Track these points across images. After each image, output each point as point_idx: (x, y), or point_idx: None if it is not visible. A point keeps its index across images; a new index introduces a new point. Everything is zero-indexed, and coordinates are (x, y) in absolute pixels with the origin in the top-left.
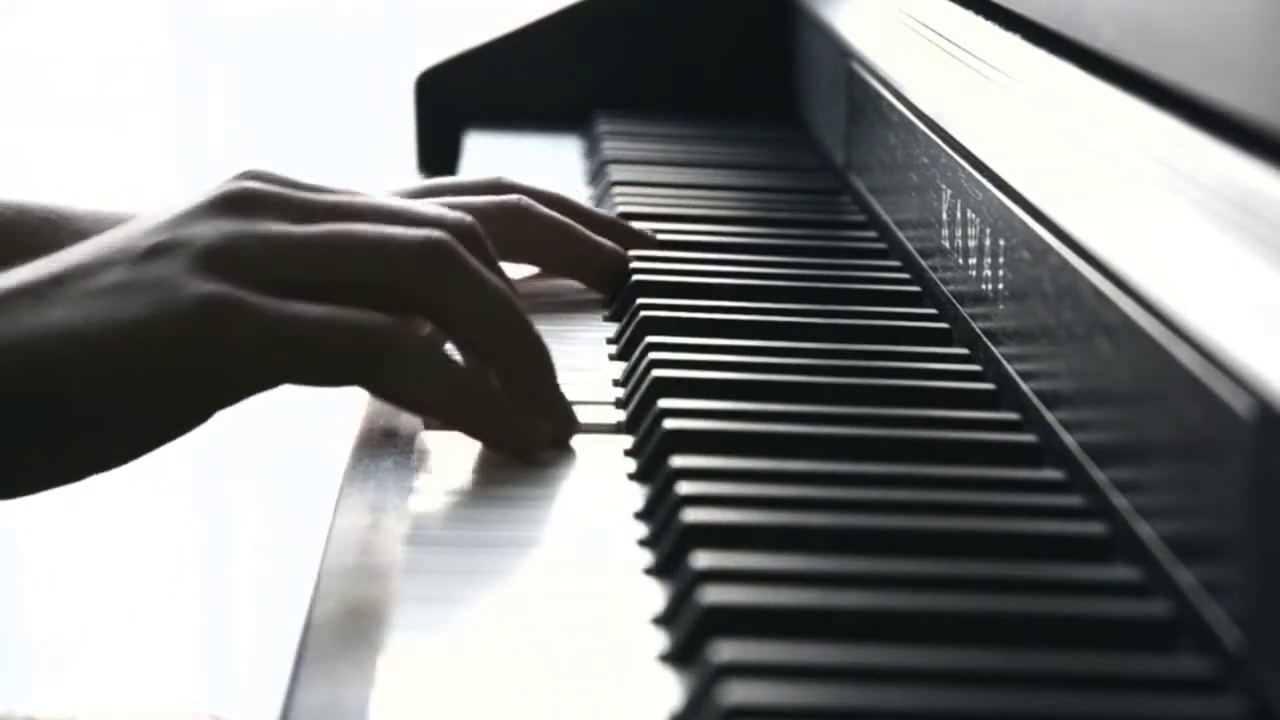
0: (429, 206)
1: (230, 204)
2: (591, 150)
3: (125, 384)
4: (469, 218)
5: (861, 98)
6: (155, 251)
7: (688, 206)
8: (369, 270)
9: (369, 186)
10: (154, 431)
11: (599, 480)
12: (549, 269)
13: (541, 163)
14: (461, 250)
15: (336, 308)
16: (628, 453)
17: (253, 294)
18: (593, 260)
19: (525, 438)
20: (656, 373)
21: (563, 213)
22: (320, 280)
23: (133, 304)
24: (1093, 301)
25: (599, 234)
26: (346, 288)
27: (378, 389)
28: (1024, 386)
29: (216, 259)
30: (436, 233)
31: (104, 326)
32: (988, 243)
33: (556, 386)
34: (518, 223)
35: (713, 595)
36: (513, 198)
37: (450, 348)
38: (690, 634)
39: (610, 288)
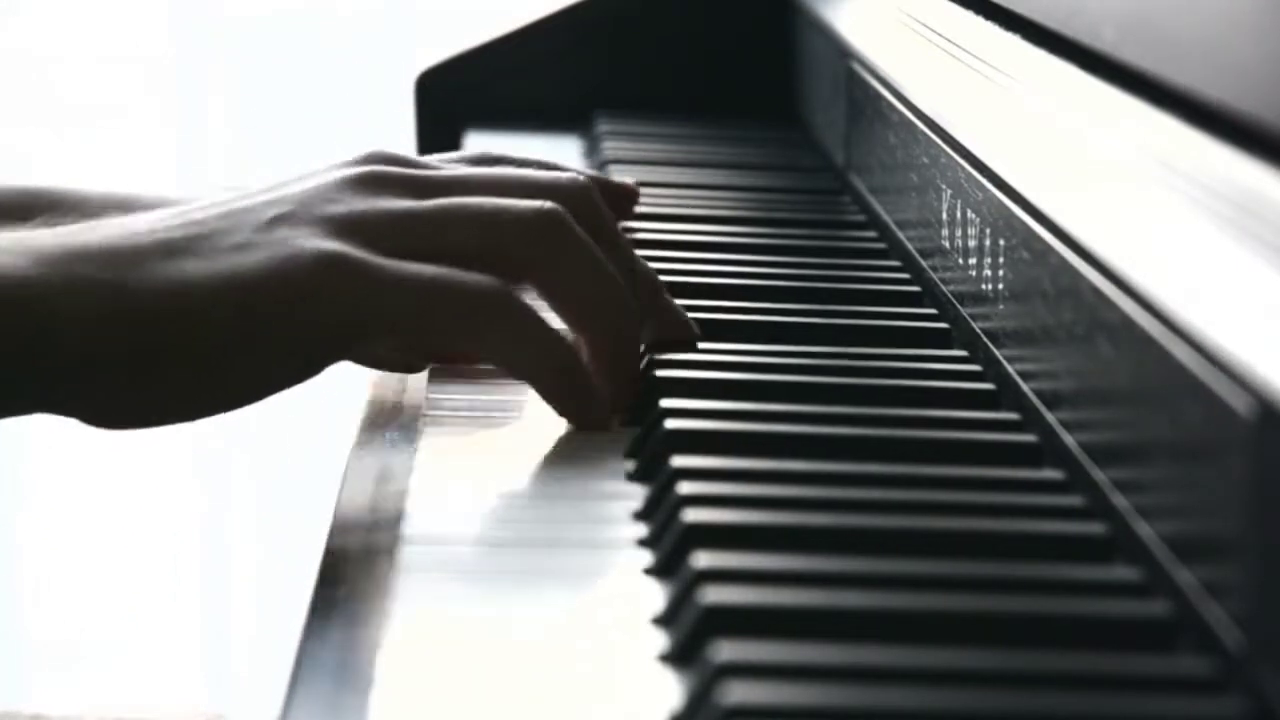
0: (545, 174)
1: (356, 184)
2: (591, 150)
3: (250, 331)
4: (584, 179)
5: (861, 98)
6: (283, 219)
7: (688, 206)
8: (482, 239)
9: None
10: (270, 378)
11: (599, 480)
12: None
13: None
14: (571, 222)
15: (450, 269)
16: (628, 453)
17: (373, 255)
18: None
19: (594, 421)
20: (656, 373)
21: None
22: (436, 249)
23: (261, 257)
24: (1093, 301)
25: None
26: (461, 257)
27: (483, 349)
28: (1024, 387)
29: (340, 225)
30: (548, 204)
31: (230, 277)
32: (988, 243)
33: (637, 366)
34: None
35: (713, 595)
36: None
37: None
38: (690, 634)
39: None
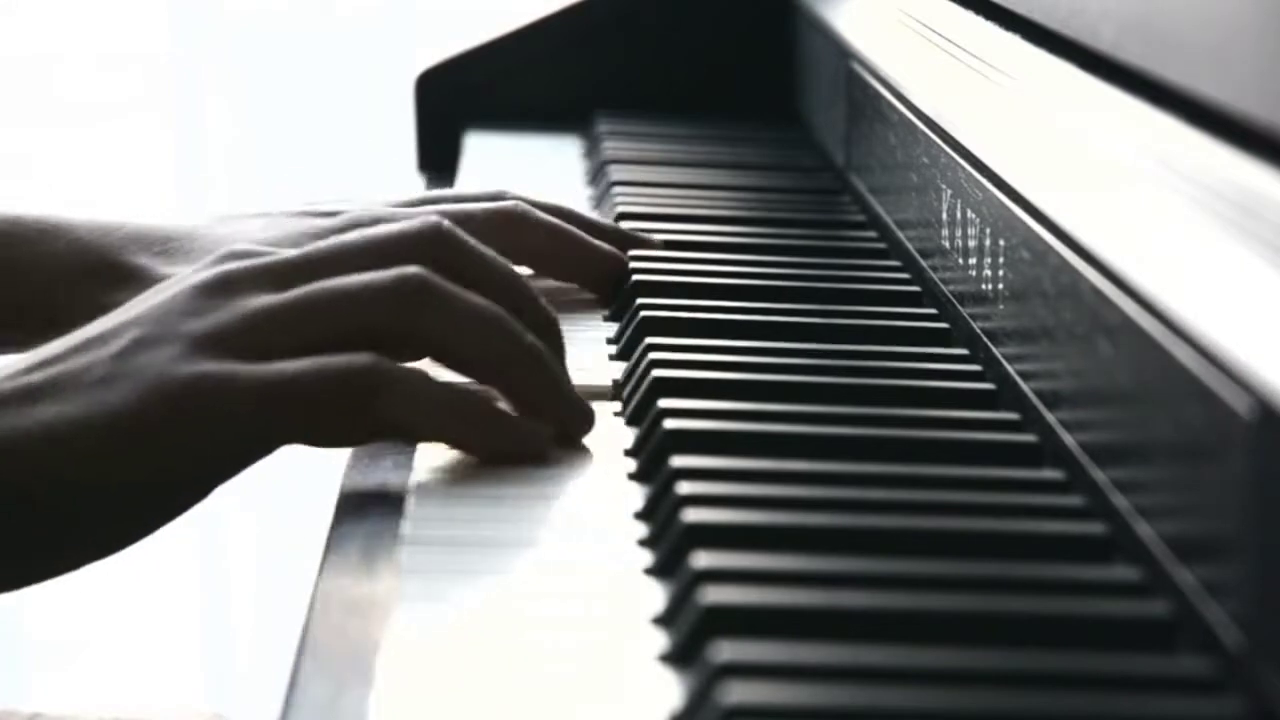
0: (394, 228)
1: (210, 290)
2: (591, 150)
3: (127, 469)
4: (435, 219)
5: (861, 98)
6: (141, 344)
7: (688, 206)
8: (351, 321)
9: (366, 200)
10: (159, 512)
11: (599, 480)
12: (547, 273)
13: (541, 163)
14: (432, 281)
15: (320, 357)
16: (628, 453)
17: (238, 364)
18: (590, 264)
19: (526, 446)
20: (656, 373)
21: (562, 220)
22: (307, 341)
23: (125, 390)
24: (1093, 301)
25: (599, 239)
26: (334, 342)
27: (375, 426)
28: (1024, 386)
29: (202, 343)
30: (407, 270)
31: (97, 416)
32: (988, 243)
33: (560, 386)
34: (514, 227)
35: (713, 595)
36: (509, 203)
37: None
38: (690, 634)
39: (609, 291)
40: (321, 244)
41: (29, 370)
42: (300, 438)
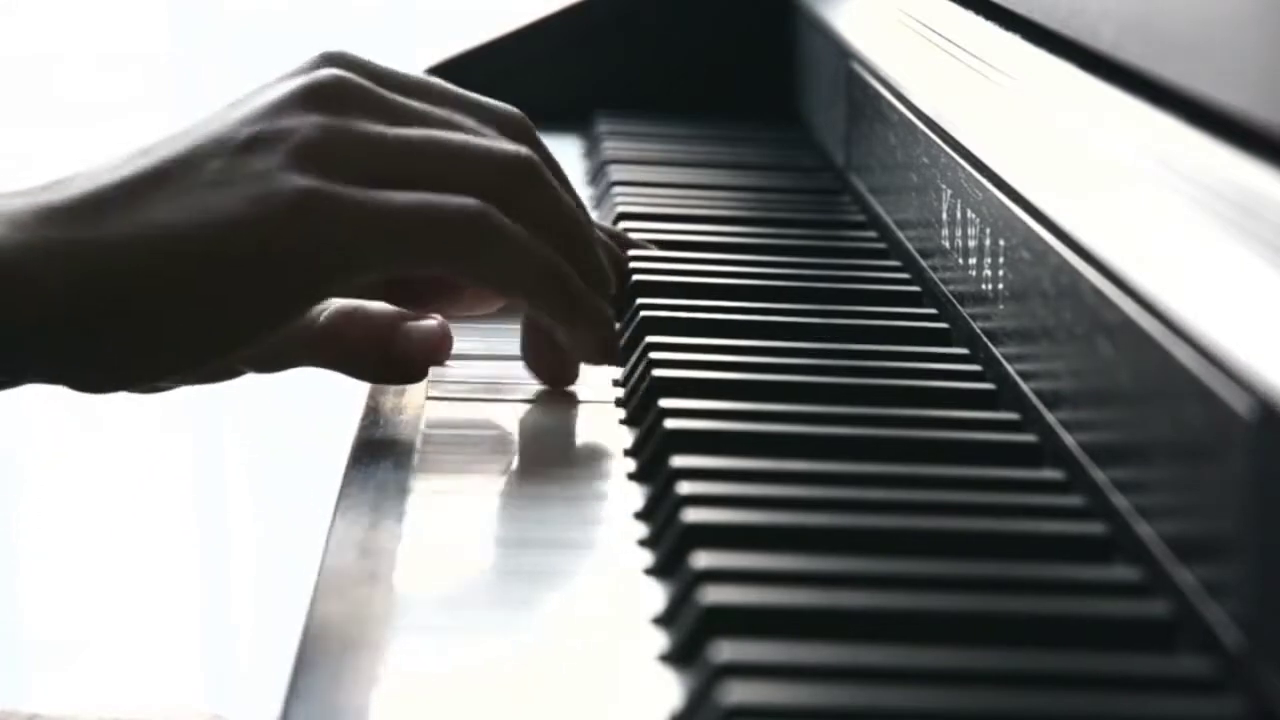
0: (507, 143)
1: (322, 96)
2: (591, 150)
3: (230, 279)
4: (536, 158)
5: (861, 98)
6: (252, 144)
7: (688, 206)
8: (461, 174)
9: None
10: (256, 323)
11: (599, 480)
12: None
13: None
14: (546, 171)
15: (430, 194)
16: (628, 453)
17: (349, 188)
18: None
19: (603, 331)
20: (656, 373)
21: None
22: (407, 178)
23: (232, 199)
24: (1093, 301)
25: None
26: (437, 190)
27: (473, 272)
28: (1024, 386)
29: (313, 154)
30: (525, 150)
31: (205, 224)
32: (988, 243)
33: (608, 312)
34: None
35: (713, 595)
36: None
37: None
38: (690, 634)
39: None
40: (435, 109)
41: (136, 168)
42: (397, 268)
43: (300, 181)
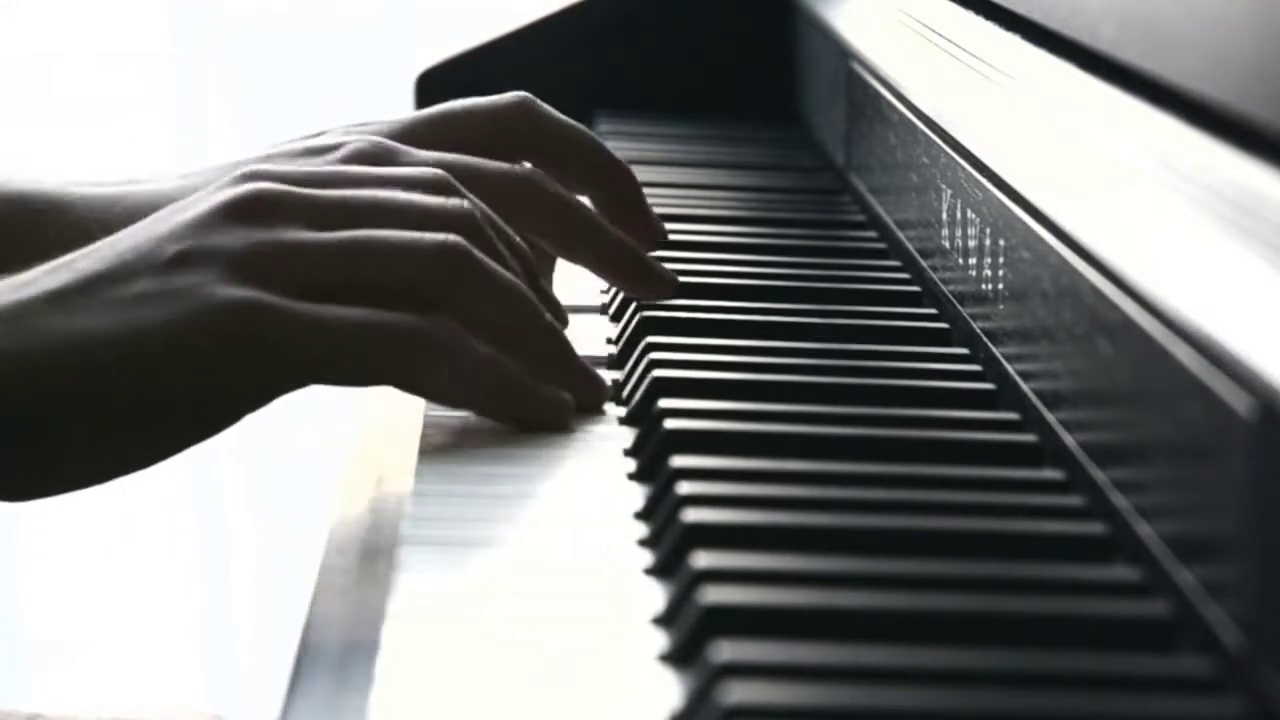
0: (434, 201)
1: (247, 210)
2: None
3: (160, 388)
4: (468, 207)
5: (861, 98)
6: (181, 260)
7: (688, 206)
8: (390, 275)
9: (376, 119)
10: (186, 433)
11: (599, 480)
12: (552, 243)
13: None
14: (475, 253)
15: (367, 309)
16: (627, 453)
17: (282, 299)
18: (595, 246)
19: (555, 415)
20: (656, 373)
21: (603, 180)
22: (344, 284)
23: (165, 311)
24: (1093, 301)
25: (619, 213)
26: (368, 291)
27: (411, 386)
28: (1024, 386)
29: (245, 268)
30: (451, 236)
31: (138, 331)
32: (988, 243)
33: (576, 360)
34: (524, 196)
35: (713, 595)
36: (523, 170)
37: None
38: (690, 634)
39: (615, 278)
40: (360, 192)
41: (63, 279)
42: (331, 381)
43: (236, 293)
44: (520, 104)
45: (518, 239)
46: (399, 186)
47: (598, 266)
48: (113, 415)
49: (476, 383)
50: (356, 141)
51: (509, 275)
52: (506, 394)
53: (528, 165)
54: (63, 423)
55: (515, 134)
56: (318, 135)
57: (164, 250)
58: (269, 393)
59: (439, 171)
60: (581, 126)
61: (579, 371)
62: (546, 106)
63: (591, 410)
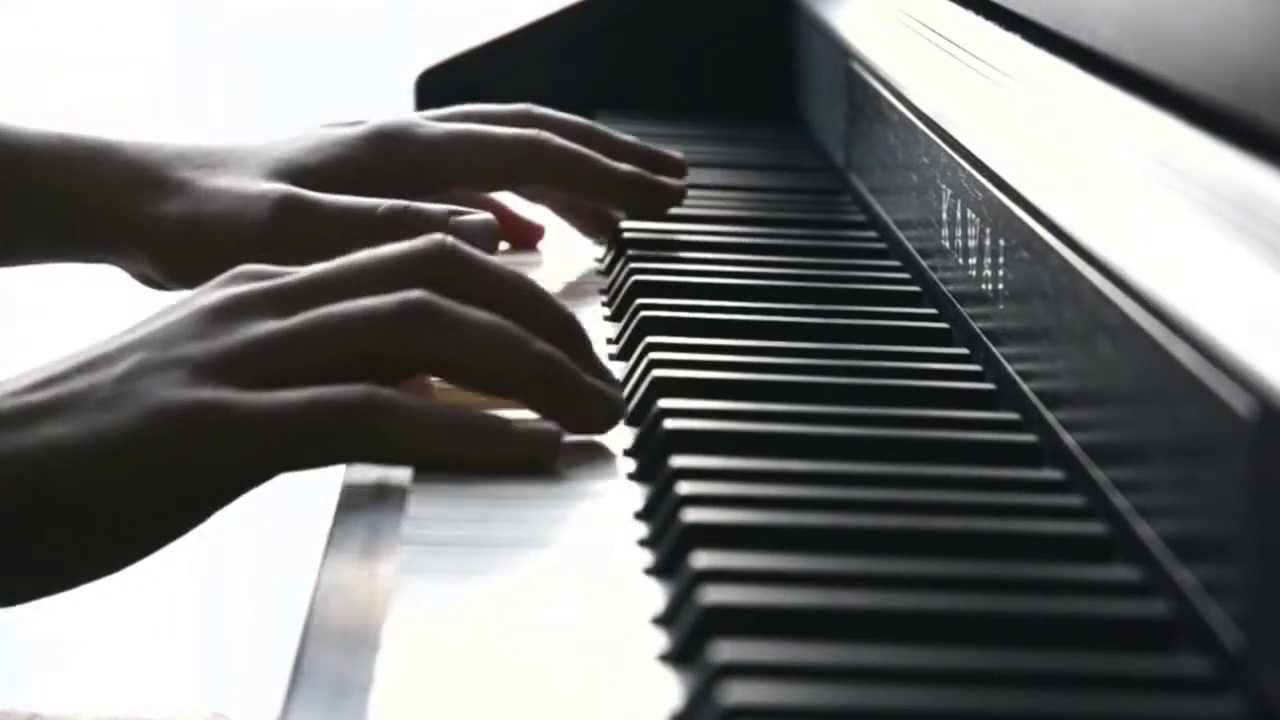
0: (403, 249)
1: (217, 315)
2: None
3: (123, 493)
4: (440, 239)
5: (861, 98)
6: (144, 367)
7: (688, 206)
8: (352, 347)
9: (402, 115)
10: (155, 535)
11: (599, 480)
12: (568, 194)
13: None
14: (435, 303)
15: (320, 387)
16: (627, 452)
17: (241, 394)
18: (608, 184)
19: (534, 454)
20: (656, 373)
21: (585, 140)
22: (308, 368)
23: (124, 414)
24: (1093, 301)
25: (623, 158)
26: (336, 369)
27: (379, 455)
28: (1024, 386)
29: (204, 370)
30: (412, 293)
31: (99, 438)
32: (988, 243)
33: (578, 386)
34: (533, 154)
35: (713, 595)
36: (530, 131)
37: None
38: (690, 634)
39: (633, 209)
40: (326, 266)
41: (30, 389)
42: (299, 466)
43: (188, 395)
44: (524, 122)
45: (494, 264)
46: (383, 254)
47: (616, 205)
48: (91, 521)
49: (441, 436)
50: (380, 118)
51: (480, 316)
52: (477, 441)
53: (535, 131)
54: (41, 534)
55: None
56: (351, 125)
57: (128, 357)
58: (236, 489)
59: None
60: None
61: (587, 391)
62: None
63: (605, 428)
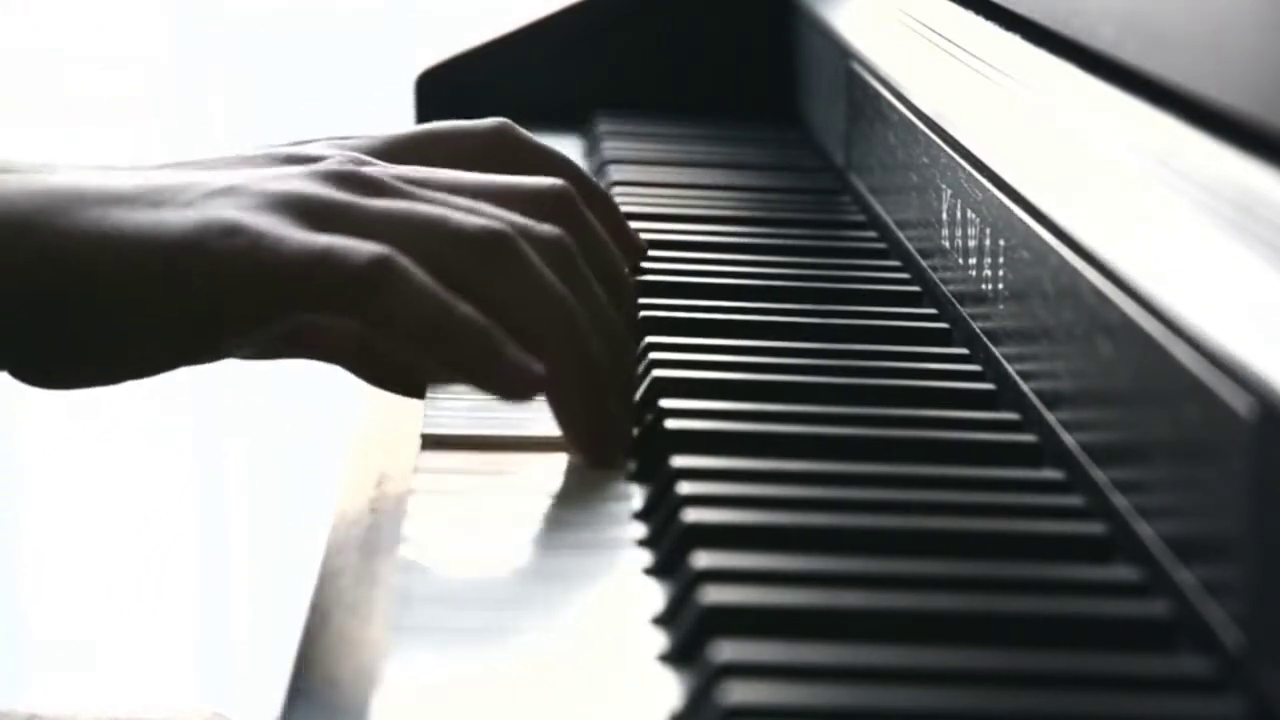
0: (525, 181)
1: (326, 176)
2: (591, 150)
3: (150, 291)
4: (564, 185)
5: (861, 98)
6: (224, 191)
7: (688, 206)
8: (415, 247)
9: (359, 134)
10: (170, 346)
11: (598, 480)
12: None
13: None
14: (519, 246)
15: (337, 237)
16: (627, 453)
17: (283, 227)
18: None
19: (510, 391)
20: (656, 373)
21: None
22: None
23: (182, 221)
24: (1093, 301)
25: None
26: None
27: (366, 315)
28: (1024, 386)
29: (270, 203)
30: (496, 224)
31: (149, 232)
32: (988, 243)
33: (606, 403)
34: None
35: (713, 595)
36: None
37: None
38: (690, 634)
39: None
40: (444, 173)
41: (132, 178)
42: (307, 307)
43: (244, 215)
44: (500, 129)
45: (603, 233)
46: (500, 198)
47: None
48: (128, 311)
49: (434, 322)
50: (337, 156)
51: (555, 281)
52: (465, 342)
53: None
54: (80, 314)
55: (495, 158)
56: (301, 144)
57: (216, 180)
58: (255, 307)
59: (555, 187)
60: (559, 152)
61: (604, 418)
62: (524, 132)
63: (596, 461)
